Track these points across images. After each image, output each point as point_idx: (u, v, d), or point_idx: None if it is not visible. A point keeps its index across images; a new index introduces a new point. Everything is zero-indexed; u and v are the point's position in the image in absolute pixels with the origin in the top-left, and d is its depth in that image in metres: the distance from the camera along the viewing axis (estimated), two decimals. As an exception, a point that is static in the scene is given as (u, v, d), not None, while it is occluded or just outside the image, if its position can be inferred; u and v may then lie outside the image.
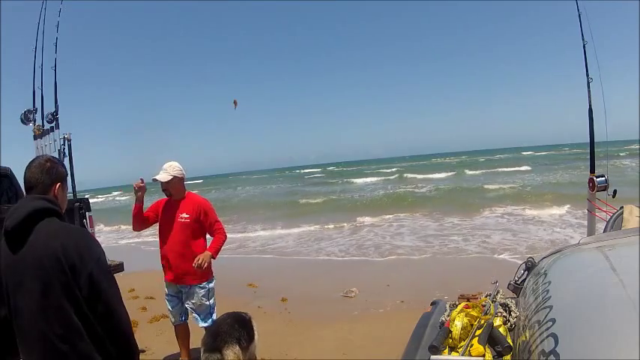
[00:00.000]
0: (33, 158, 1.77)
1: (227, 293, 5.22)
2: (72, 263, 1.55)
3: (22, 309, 1.59)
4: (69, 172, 4.77)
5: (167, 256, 3.60)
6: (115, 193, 45.92)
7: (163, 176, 3.53)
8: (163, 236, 3.63)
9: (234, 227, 13.84)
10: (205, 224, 3.64)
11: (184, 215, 3.57)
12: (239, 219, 15.24)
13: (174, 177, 3.56)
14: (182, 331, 3.74)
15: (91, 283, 1.56)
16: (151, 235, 9.53)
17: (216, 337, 3.12)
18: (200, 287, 3.60)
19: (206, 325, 3.60)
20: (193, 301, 3.61)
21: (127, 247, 12.06)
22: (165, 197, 3.69)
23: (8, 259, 1.61)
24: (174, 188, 3.59)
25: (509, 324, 1.61)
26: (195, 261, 3.44)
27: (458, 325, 1.47)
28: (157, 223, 3.68)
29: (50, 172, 1.72)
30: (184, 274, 3.56)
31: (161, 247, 3.66)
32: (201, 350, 3.12)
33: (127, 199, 32.90)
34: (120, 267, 4.80)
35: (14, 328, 1.63)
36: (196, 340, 3.90)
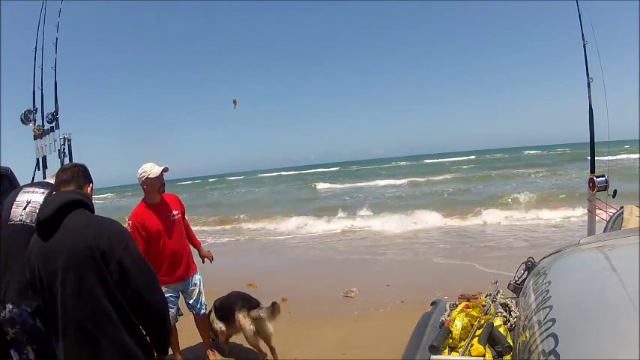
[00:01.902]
0: (64, 165, 2.04)
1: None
2: (102, 250, 1.64)
3: (56, 296, 1.66)
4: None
5: (175, 255, 3.59)
6: (109, 194, 45.54)
7: (162, 167, 3.53)
8: (166, 241, 3.55)
9: (235, 227, 13.84)
10: (184, 217, 3.84)
11: (175, 212, 3.66)
12: (239, 219, 15.23)
13: None
14: (175, 331, 3.77)
15: (121, 269, 1.64)
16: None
17: (248, 298, 3.81)
18: (197, 275, 3.82)
19: (204, 311, 3.89)
20: (195, 290, 3.77)
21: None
22: (135, 212, 3.56)
23: (42, 249, 1.70)
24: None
25: (509, 324, 1.61)
26: (207, 258, 3.96)
27: (458, 325, 1.47)
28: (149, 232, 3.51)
29: (85, 174, 1.95)
30: (187, 267, 3.71)
31: (165, 250, 3.55)
32: (244, 311, 3.69)
33: (121, 200, 32.79)
34: None
35: (48, 316, 1.72)
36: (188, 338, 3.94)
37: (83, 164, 2.00)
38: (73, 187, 1.87)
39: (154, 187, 3.51)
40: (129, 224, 3.48)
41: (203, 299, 3.89)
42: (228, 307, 3.88)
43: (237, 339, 4.47)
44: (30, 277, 1.78)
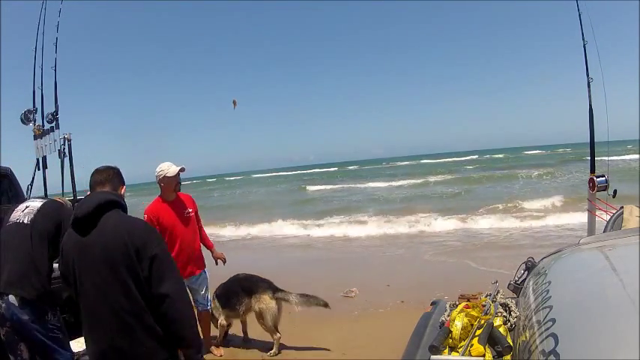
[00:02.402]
0: (97, 167, 2.06)
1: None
2: (136, 247, 1.76)
3: (91, 288, 1.79)
4: (69, 173, 4.81)
5: (187, 251, 3.70)
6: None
7: (179, 167, 3.68)
8: (179, 236, 3.66)
9: (233, 228, 13.80)
10: (197, 216, 3.95)
11: (189, 210, 3.80)
12: (239, 219, 15.21)
13: None
14: None
15: (151, 266, 1.76)
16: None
17: (269, 282, 4.12)
18: (205, 272, 3.94)
19: (209, 307, 4.04)
20: (202, 286, 3.90)
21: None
22: (151, 207, 3.70)
23: (78, 244, 1.83)
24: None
25: (509, 324, 1.61)
26: (220, 260, 4.04)
27: (458, 325, 1.47)
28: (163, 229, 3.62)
29: (119, 176, 2.07)
30: (198, 263, 3.84)
31: (178, 245, 3.65)
32: (270, 292, 4.02)
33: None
34: None
35: (81, 306, 1.84)
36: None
37: (117, 167, 2.11)
38: (108, 188, 1.99)
39: (170, 185, 3.67)
40: (145, 217, 3.59)
41: (208, 295, 4.01)
42: (249, 289, 4.10)
43: (242, 331, 4.48)
44: (63, 268, 1.91)
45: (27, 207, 2.63)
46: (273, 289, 4.06)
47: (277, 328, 4.09)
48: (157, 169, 3.66)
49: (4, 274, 2.39)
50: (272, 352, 4.02)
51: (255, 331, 4.44)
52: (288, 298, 4.03)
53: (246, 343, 4.43)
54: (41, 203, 2.66)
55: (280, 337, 4.07)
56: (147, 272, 1.76)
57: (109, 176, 2.02)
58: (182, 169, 3.68)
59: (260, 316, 4.01)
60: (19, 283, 2.36)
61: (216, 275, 4.26)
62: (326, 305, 4.03)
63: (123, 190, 2.07)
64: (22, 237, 2.48)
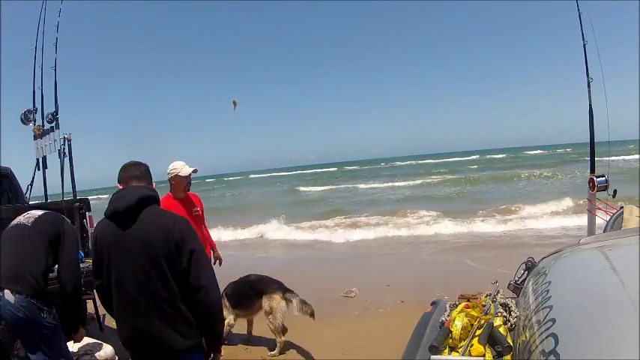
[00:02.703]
0: (128, 162, 2.08)
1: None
2: (176, 241, 1.85)
3: (130, 278, 1.86)
4: (69, 173, 4.81)
5: None
6: (107, 195, 45.27)
7: (192, 169, 3.72)
8: None
9: (233, 228, 13.78)
10: (203, 215, 4.00)
11: (196, 209, 3.86)
12: (238, 219, 15.20)
13: None
14: None
15: (190, 258, 1.85)
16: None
17: (280, 283, 4.18)
18: None
19: None
20: None
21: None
22: (161, 202, 3.73)
23: (117, 235, 1.89)
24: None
25: (509, 324, 1.61)
26: (217, 260, 4.08)
27: (458, 325, 1.47)
28: None
29: (150, 173, 2.11)
30: None
31: None
32: (280, 292, 4.09)
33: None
34: None
35: (115, 295, 1.91)
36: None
37: (146, 164, 2.14)
38: (144, 183, 2.03)
39: (181, 184, 3.72)
40: None
41: None
42: (261, 290, 4.16)
43: (242, 328, 4.47)
44: (98, 257, 1.96)
45: (29, 213, 2.73)
46: (284, 290, 4.15)
47: (282, 330, 4.13)
48: (170, 167, 3.70)
49: (2, 272, 2.44)
50: (273, 352, 4.03)
51: (257, 330, 4.44)
52: (292, 300, 4.09)
53: (248, 342, 4.43)
54: (43, 212, 2.77)
55: (285, 342, 4.10)
56: (185, 265, 1.84)
57: (144, 171, 2.07)
58: (195, 171, 3.75)
59: (270, 314, 4.05)
60: (15, 278, 2.40)
61: (220, 275, 4.27)
62: (312, 315, 4.03)
63: (154, 187, 2.11)
64: (21, 237, 2.55)
